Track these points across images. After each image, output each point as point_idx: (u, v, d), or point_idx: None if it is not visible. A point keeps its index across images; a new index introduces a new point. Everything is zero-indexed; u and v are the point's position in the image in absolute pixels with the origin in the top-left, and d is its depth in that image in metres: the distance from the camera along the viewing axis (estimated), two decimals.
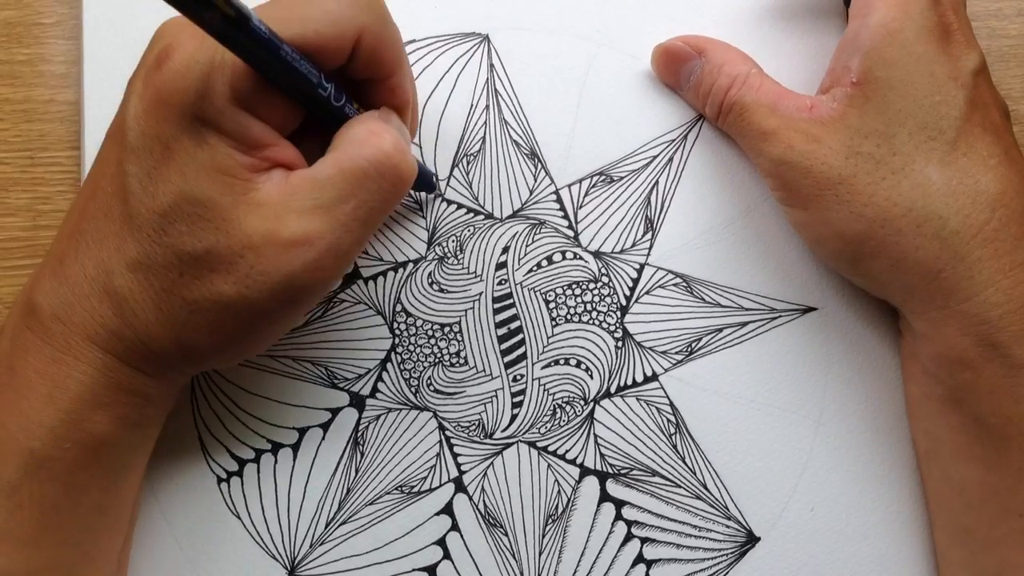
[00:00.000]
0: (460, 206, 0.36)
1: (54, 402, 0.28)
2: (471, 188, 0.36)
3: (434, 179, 0.36)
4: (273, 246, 0.27)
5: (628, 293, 0.36)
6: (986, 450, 0.30)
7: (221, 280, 0.27)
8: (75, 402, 0.28)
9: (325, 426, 0.35)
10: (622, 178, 0.37)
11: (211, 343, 0.28)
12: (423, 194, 0.36)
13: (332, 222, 0.27)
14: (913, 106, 0.30)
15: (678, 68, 0.36)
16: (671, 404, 0.35)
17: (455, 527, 0.35)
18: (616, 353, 0.35)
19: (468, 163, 0.37)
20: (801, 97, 0.32)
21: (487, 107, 0.37)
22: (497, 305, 0.36)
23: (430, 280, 0.35)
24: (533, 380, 0.35)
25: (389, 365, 0.35)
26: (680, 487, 0.35)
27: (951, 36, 0.31)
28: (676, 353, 0.36)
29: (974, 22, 0.32)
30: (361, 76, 0.29)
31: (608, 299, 0.36)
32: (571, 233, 0.36)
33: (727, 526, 0.35)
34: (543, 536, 0.35)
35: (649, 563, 0.34)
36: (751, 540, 0.34)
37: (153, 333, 0.28)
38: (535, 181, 0.37)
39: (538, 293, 0.36)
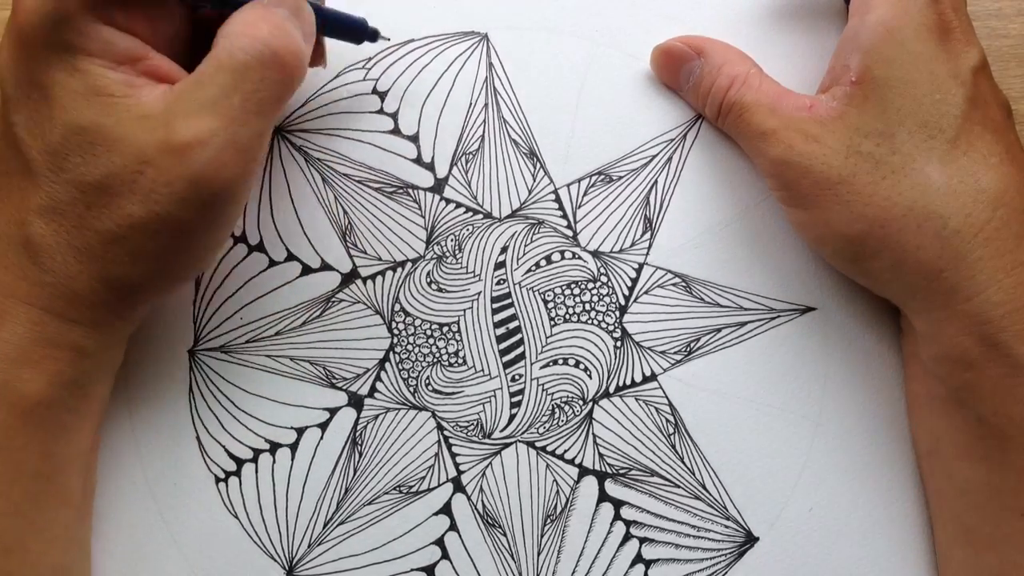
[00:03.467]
0: (459, 205, 0.36)
1: None
2: (470, 187, 0.36)
3: (363, 25, 0.34)
4: (167, 154, 0.26)
5: (627, 292, 0.36)
6: (988, 450, 0.30)
7: (127, 202, 0.27)
8: (4, 363, 0.27)
9: (323, 426, 0.35)
10: (621, 177, 0.36)
11: (137, 271, 0.28)
12: (421, 191, 0.36)
13: (222, 118, 0.27)
14: (912, 104, 0.30)
15: (677, 68, 0.36)
16: (670, 404, 0.35)
17: (453, 527, 0.34)
18: (615, 353, 0.35)
19: (467, 161, 0.36)
20: (801, 97, 0.32)
21: (486, 105, 0.37)
22: (496, 305, 0.36)
23: (428, 279, 0.35)
24: (532, 380, 0.35)
25: (387, 365, 0.35)
26: (679, 487, 0.35)
27: (951, 34, 0.30)
28: (675, 353, 0.36)
29: (974, 22, 0.32)
30: None
31: (607, 299, 0.36)
32: (570, 233, 0.36)
33: (726, 526, 0.35)
34: (542, 536, 0.34)
35: (648, 563, 0.34)
36: (750, 540, 0.34)
37: (74, 274, 0.28)
38: (534, 181, 0.36)
39: (537, 293, 0.36)
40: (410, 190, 0.36)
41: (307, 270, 0.36)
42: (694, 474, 0.35)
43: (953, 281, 0.29)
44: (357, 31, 0.34)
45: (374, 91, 0.37)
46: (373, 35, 0.35)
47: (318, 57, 0.33)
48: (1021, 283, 0.29)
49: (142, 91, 0.27)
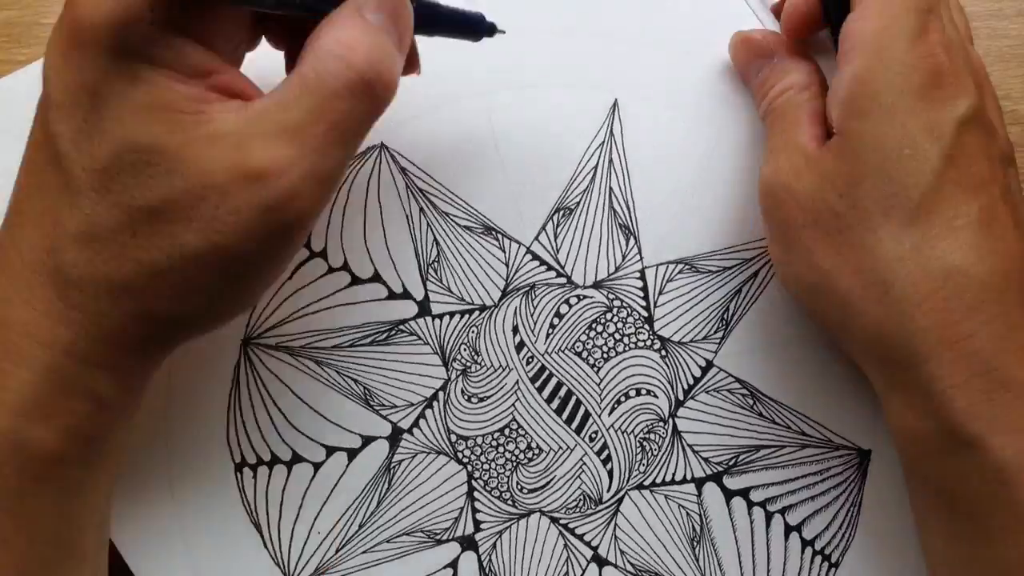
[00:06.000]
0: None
1: None
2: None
3: (480, 19, 0.31)
4: (239, 180, 0.23)
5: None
6: (941, 521, 0.30)
7: (181, 230, 0.24)
8: (14, 418, 0.24)
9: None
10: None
11: (179, 309, 0.25)
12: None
13: (303, 146, 0.24)
14: (880, 159, 0.28)
15: (750, 61, 0.35)
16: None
17: None
18: (664, 362, 0.35)
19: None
20: (823, 125, 0.31)
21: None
22: (537, 383, 0.35)
23: (466, 396, 0.35)
24: (608, 430, 0.35)
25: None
26: None
27: (939, 80, 0.28)
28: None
29: (974, 22, 0.31)
30: None
31: (629, 319, 0.35)
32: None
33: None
34: None
35: None
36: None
37: (105, 311, 0.24)
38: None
39: (567, 351, 0.35)
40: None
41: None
42: None
43: (895, 349, 0.28)
44: (473, 27, 0.30)
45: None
46: (491, 29, 0.31)
47: (412, 65, 0.30)
48: (963, 357, 0.27)
49: (212, 107, 0.24)
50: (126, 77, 0.23)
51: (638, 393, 0.35)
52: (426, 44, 0.35)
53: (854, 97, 0.29)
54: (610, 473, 0.35)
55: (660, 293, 0.36)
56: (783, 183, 0.30)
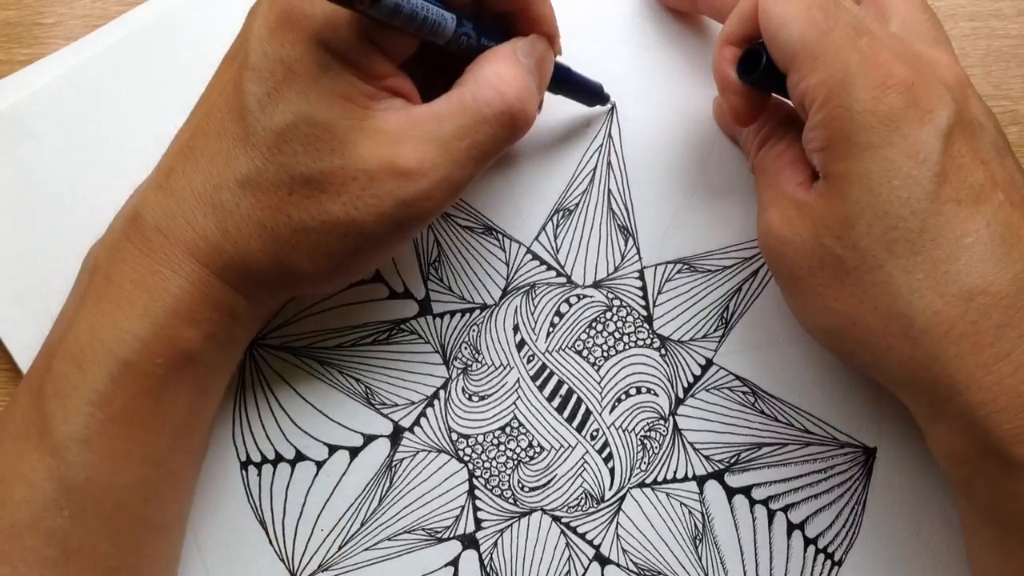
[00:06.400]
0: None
1: (149, 315, 0.28)
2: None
3: (600, 89, 0.35)
4: (387, 172, 0.27)
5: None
6: (991, 537, 0.29)
7: (330, 200, 0.27)
8: (169, 316, 0.28)
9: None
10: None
11: (311, 264, 0.28)
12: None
13: (447, 156, 0.27)
14: (870, 197, 0.27)
15: (731, 124, 0.35)
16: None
17: None
18: (664, 360, 0.35)
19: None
20: (808, 168, 0.30)
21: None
22: (538, 382, 0.35)
23: (467, 394, 0.35)
24: (608, 428, 0.35)
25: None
26: None
27: (912, 99, 0.27)
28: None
29: (974, 22, 0.30)
30: (498, 9, 0.30)
31: (629, 319, 0.36)
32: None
33: None
34: None
35: None
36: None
37: (253, 249, 0.28)
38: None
39: (567, 350, 0.35)
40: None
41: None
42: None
43: (931, 382, 0.27)
44: (595, 95, 0.35)
45: None
46: (606, 99, 0.36)
47: (539, 108, 0.34)
48: (1004, 379, 0.26)
49: (380, 105, 0.28)
50: (320, 65, 0.27)
51: (638, 391, 0.35)
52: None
53: (829, 144, 0.28)
54: (611, 471, 0.35)
55: (659, 292, 0.36)
56: (779, 237, 0.30)
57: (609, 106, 0.36)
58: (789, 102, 0.31)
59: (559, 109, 0.36)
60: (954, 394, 0.27)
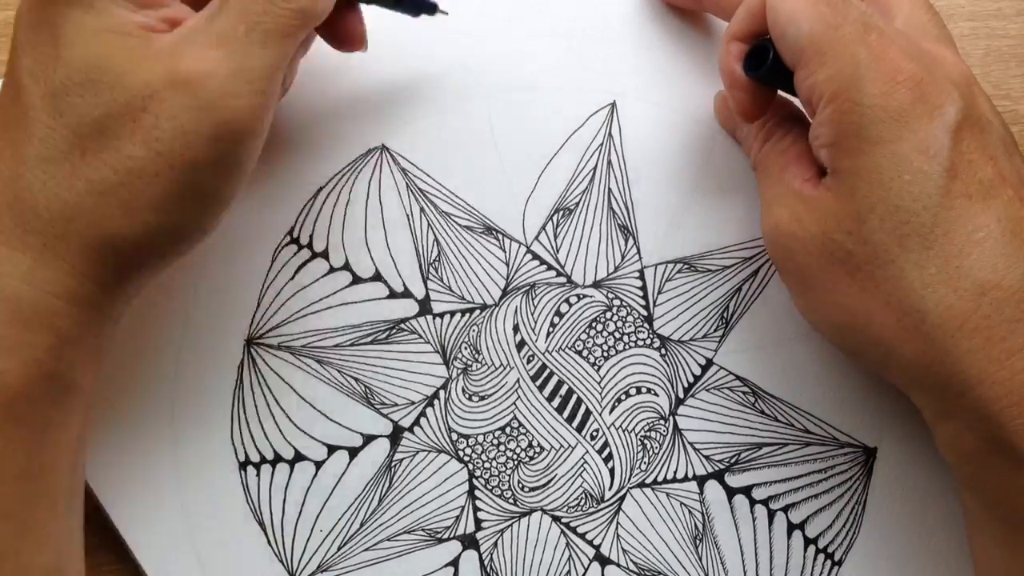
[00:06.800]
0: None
1: None
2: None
3: None
4: (173, 86, 0.25)
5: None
6: (999, 533, 0.29)
7: (126, 143, 0.25)
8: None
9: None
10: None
11: (133, 227, 0.26)
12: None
13: (228, 47, 0.26)
14: (881, 191, 0.27)
15: (732, 118, 0.35)
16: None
17: None
18: (664, 360, 0.35)
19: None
20: (813, 164, 0.30)
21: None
22: (538, 382, 0.35)
23: (467, 394, 0.35)
24: (608, 428, 0.35)
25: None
26: None
27: (921, 94, 0.27)
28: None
29: (974, 22, 0.30)
30: None
31: (629, 319, 0.35)
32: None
33: None
34: None
35: None
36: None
37: (60, 233, 0.25)
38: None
39: (567, 350, 0.35)
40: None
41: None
42: None
43: (943, 377, 0.27)
44: (415, 3, 0.32)
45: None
46: (432, 7, 0.32)
47: (356, 38, 0.31)
48: (1017, 373, 0.26)
49: (158, 32, 0.26)
50: (82, 5, 0.25)
51: (638, 391, 0.35)
52: (427, 44, 0.36)
53: (838, 139, 0.28)
54: (611, 471, 0.35)
55: (659, 292, 0.36)
56: (787, 233, 0.29)
57: (441, 13, 0.33)
58: (793, 99, 0.31)
59: (558, 109, 0.36)
60: (967, 389, 0.27)
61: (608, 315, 0.36)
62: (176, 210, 0.26)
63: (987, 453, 0.28)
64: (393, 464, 0.34)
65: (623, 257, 0.36)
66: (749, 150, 0.34)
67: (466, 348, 0.35)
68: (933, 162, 0.27)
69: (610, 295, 0.36)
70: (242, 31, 0.26)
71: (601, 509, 0.35)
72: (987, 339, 0.27)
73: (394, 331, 0.35)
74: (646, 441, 0.35)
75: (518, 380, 0.35)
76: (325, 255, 0.35)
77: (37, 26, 0.26)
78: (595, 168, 0.36)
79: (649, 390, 0.35)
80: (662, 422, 0.35)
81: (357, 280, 0.35)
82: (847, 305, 0.28)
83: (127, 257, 0.27)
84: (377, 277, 0.35)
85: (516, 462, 0.35)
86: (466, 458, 0.35)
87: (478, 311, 0.35)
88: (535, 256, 0.36)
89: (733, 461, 0.35)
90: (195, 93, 0.25)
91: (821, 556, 0.34)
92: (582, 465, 0.35)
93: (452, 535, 0.34)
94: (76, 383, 0.27)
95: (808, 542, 0.35)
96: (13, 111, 0.26)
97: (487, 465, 0.35)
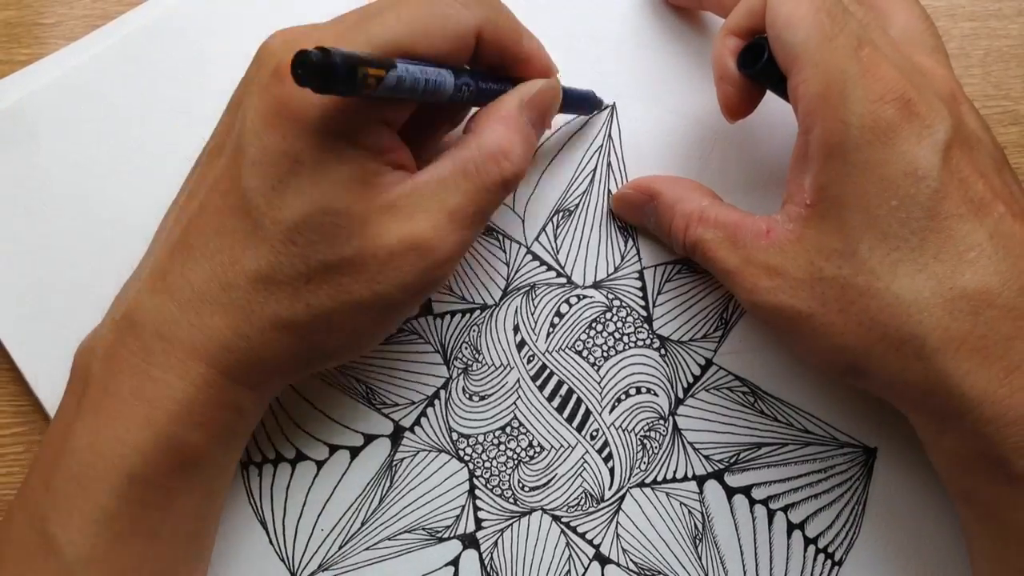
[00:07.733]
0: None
1: (151, 425, 0.27)
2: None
3: (593, 98, 0.36)
4: (407, 247, 0.27)
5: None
6: (990, 547, 0.29)
7: (352, 282, 0.27)
8: (173, 423, 0.27)
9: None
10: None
11: (334, 342, 0.28)
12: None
13: (457, 223, 0.28)
14: (868, 218, 0.27)
15: (637, 213, 0.35)
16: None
17: None
18: (664, 361, 0.35)
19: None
20: (758, 221, 0.30)
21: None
22: (538, 382, 0.35)
23: (467, 394, 0.35)
24: (608, 428, 0.35)
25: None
26: None
27: (909, 114, 0.27)
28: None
29: (973, 22, 0.30)
30: (488, 64, 0.30)
31: (629, 319, 0.36)
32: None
33: None
34: None
35: None
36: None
37: (268, 342, 0.27)
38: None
39: (567, 350, 0.35)
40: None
41: None
42: None
43: (944, 399, 0.27)
44: (590, 104, 0.36)
45: None
46: (601, 104, 0.36)
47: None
48: (1016, 391, 0.26)
49: (386, 179, 0.27)
50: (336, 153, 0.26)
51: (638, 391, 0.35)
52: None
53: (824, 164, 0.28)
54: (611, 471, 0.35)
55: (659, 293, 0.36)
56: (768, 290, 0.29)
57: (607, 107, 0.36)
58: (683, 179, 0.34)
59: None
60: (966, 411, 0.27)
61: (608, 315, 0.36)
62: (368, 333, 0.29)
63: (981, 469, 0.28)
64: (394, 464, 0.35)
65: (623, 258, 0.36)
66: (667, 236, 0.33)
67: (467, 348, 0.35)
68: (921, 184, 0.27)
69: (610, 295, 0.36)
70: (471, 212, 0.28)
71: (601, 509, 0.35)
72: (985, 358, 0.27)
73: (395, 331, 0.35)
74: (646, 441, 0.35)
75: (518, 380, 0.35)
76: None
77: (273, 154, 0.26)
78: (595, 169, 0.36)
79: (649, 390, 0.35)
80: (662, 422, 0.35)
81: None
82: (846, 346, 0.28)
83: (316, 363, 0.29)
84: None
85: (516, 462, 0.35)
86: (466, 458, 0.35)
87: (479, 311, 0.36)
88: (535, 257, 0.36)
89: (733, 461, 0.35)
90: (424, 257, 0.27)
91: (821, 556, 0.35)
92: (582, 465, 0.35)
93: (452, 534, 0.34)
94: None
95: (808, 542, 0.35)
96: (236, 223, 0.27)
97: (487, 465, 0.35)
